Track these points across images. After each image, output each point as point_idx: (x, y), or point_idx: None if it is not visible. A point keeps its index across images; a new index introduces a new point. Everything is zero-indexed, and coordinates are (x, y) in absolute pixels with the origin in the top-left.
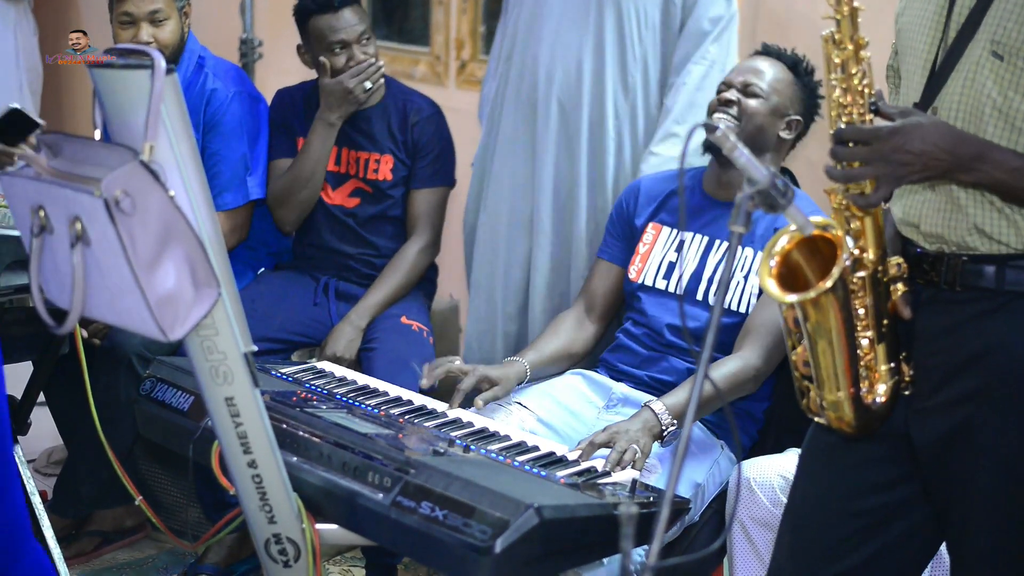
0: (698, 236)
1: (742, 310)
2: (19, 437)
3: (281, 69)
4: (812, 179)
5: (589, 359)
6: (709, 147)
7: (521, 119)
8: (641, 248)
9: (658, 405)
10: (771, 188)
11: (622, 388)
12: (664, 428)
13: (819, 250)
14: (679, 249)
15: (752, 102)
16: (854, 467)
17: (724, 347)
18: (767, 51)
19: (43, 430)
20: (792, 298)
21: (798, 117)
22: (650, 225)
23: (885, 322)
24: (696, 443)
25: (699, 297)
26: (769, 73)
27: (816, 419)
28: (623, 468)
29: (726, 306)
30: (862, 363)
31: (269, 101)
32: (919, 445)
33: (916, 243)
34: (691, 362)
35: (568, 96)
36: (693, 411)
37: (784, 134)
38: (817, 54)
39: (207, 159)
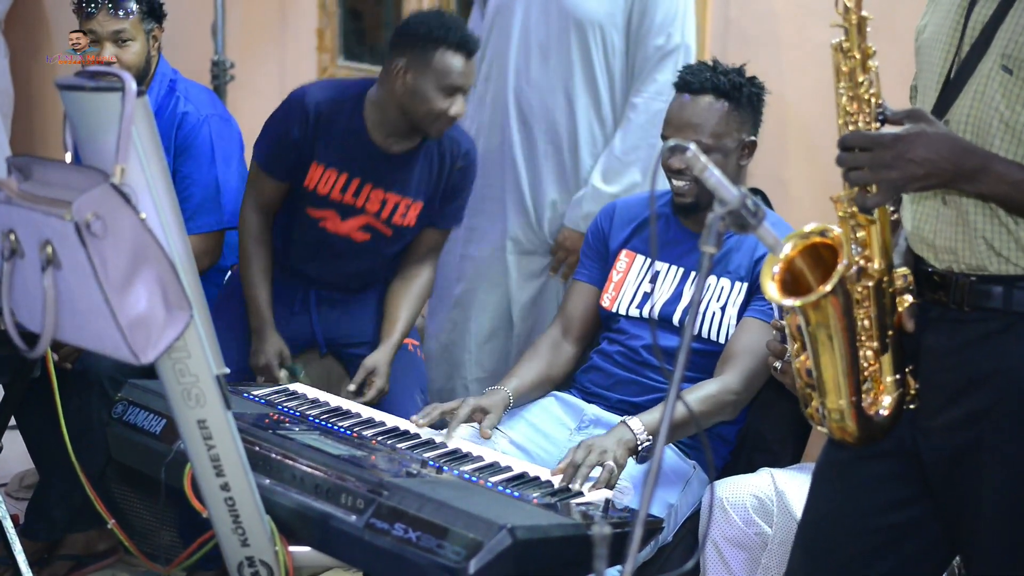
0: (672, 267)
1: (721, 340)
2: None
3: (254, 91)
4: (783, 197)
5: (565, 380)
6: (679, 208)
7: (495, 143)
8: (615, 276)
9: (635, 422)
10: (742, 208)
11: (594, 410)
12: (640, 444)
13: (822, 258)
14: (653, 280)
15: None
16: (866, 485)
17: (705, 373)
18: (692, 87)
19: (14, 453)
20: (793, 302)
21: (751, 138)
22: (624, 252)
23: (890, 333)
24: (669, 464)
25: (675, 322)
26: (707, 119)
27: (819, 428)
28: (599, 485)
29: (704, 335)
30: (865, 373)
31: (240, 123)
32: (927, 463)
33: (927, 261)
34: (665, 384)
35: (539, 125)
36: (666, 428)
37: (744, 162)
38: (784, 70)
39: (178, 182)
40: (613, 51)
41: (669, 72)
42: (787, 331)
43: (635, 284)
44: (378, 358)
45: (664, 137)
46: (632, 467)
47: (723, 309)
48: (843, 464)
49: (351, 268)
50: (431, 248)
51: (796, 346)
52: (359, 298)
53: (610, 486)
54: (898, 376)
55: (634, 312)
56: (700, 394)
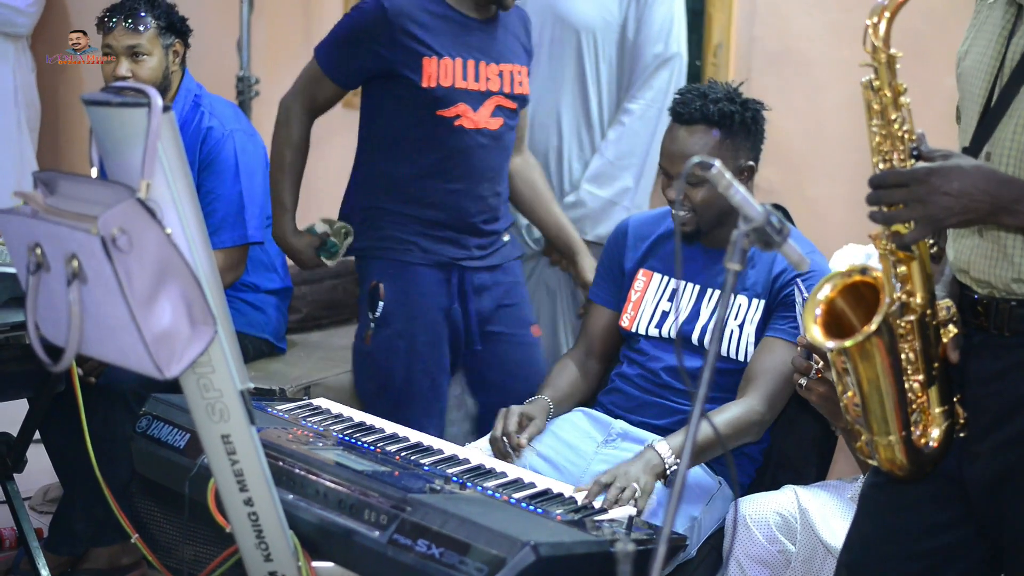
0: (690, 284)
1: (740, 358)
2: (15, 475)
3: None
4: (809, 215)
5: (592, 395)
6: (683, 236)
7: None
8: (633, 295)
9: (662, 446)
10: (766, 225)
11: (621, 424)
12: (668, 467)
13: (863, 296)
14: (672, 298)
15: (698, 193)
16: (910, 509)
17: (725, 392)
18: (683, 118)
19: (39, 468)
20: (837, 344)
21: (748, 163)
22: (640, 271)
23: (936, 365)
24: (694, 479)
25: (694, 342)
26: (700, 150)
27: (870, 461)
28: (621, 506)
29: (724, 354)
30: (913, 407)
31: (265, 138)
32: (971, 487)
33: (969, 288)
34: (687, 405)
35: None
36: (690, 447)
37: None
38: (808, 88)
39: (202, 197)
40: (604, 58)
41: (664, 80)
42: (833, 369)
43: (653, 303)
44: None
45: (661, 167)
46: (658, 485)
47: (741, 327)
48: (888, 487)
49: (491, 171)
50: (522, 130)
51: (843, 383)
52: (505, 271)
53: (639, 510)
54: (946, 407)
55: (653, 332)
56: (725, 417)
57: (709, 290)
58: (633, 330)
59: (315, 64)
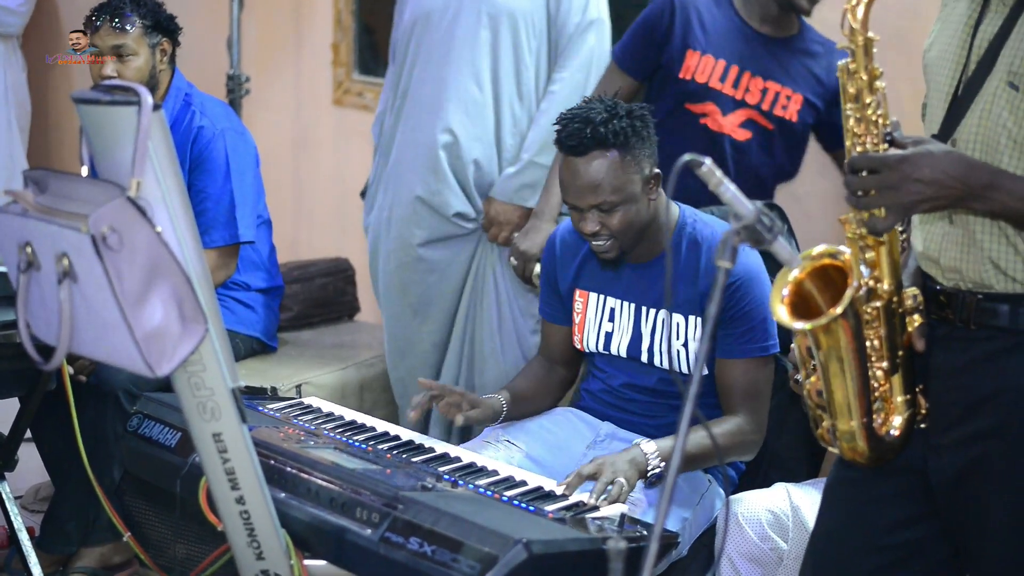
0: (624, 303)
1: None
2: (6, 473)
3: (269, 105)
4: (798, 213)
5: (562, 395)
6: (605, 262)
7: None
8: (575, 317)
9: (649, 446)
10: (757, 223)
11: (609, 426)
12: (649, 468)
13: (831, 279)
14: (612, 319)
15: (614, 218)
16: (874, 503)
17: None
18: (577, 150)
19: (30, 466)
20: (802, 325)
21: (655, 170)
22: (576, 292)
23: (900, 353)
24: (684, 478)
25: (644, 360)
26: (603, 177)
27: (830, 449)
28: (608, 500)
29: (680, 370)
30: (876, 394)
31: (255, 137)
32: (935, 481)
33: (935, 279)
34: (655, 423)
35: (463, 118)
36: (681, 446)
37: (653, 196)
38: None
39: (193, 196)
40: (535, 35)
41: (589, 45)
42: (797, 352)
43: (596, 323)
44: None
45: (568, 203)
46: (642, 484)
47: (685, 346)
48: (853, 482)
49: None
50: None
51: (805, 367)
52: None
53: (621, 500)
54: (908, 396)
55: (603, 351)
56: (718, 430)
57: (644, 308)
58: (585, 350)
59: (612, 60)
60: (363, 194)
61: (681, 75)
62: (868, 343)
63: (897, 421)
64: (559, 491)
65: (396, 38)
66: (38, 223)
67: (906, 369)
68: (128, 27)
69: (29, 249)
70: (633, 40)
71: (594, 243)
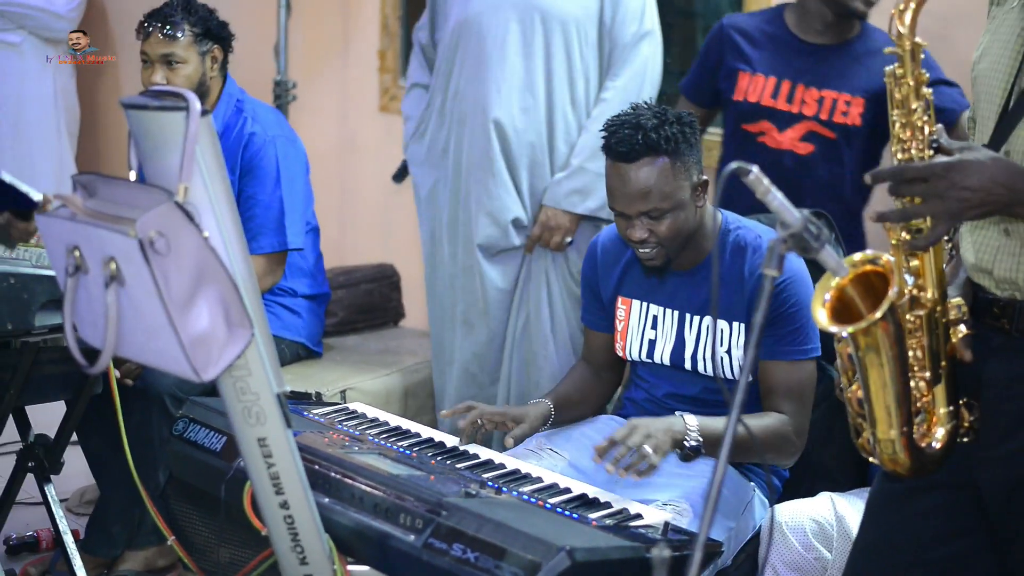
0: (667, 311)
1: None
2: (52, 476)
3: (315, 111)
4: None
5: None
6: (650, 269)
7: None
8: (618, 324)
9: (690, 418)
10: (804, 232)
11: None
12: (687, 439)
13: (873, 286)
14: (655, 327)
15: (662, 225)
16: (917, 516)
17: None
18: (627, 156)
19: (75, 469)
20: (841, 329)
21: (702, 178)
22: (619, 300)
23: (943, 364)
24: (728, 486)
25: (688, 368)
26: (653, 184)
27: (870, 459)
28: (630, 466)
29: (725, 376)
30: (918, 404)
31: (305, 142)
32: (987, 493)
33: (987, 289)
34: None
35: (516, 123)
36: (726, 455)
37: (700, 203)
38: None
39: (243, 203)
40: (588, 44)
41: (643, 55)
42: (839, 360)
43: (639, 332)
44: None
45: (615, 211)
46: (691, 490)
47: (729, 352)
48: (897, 495)
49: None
50: None
51: (847, 375)
52: None
53: (638, 472)
54: (951, 408)
55: (646, 360)
56: (761, 423)
57: (688, 315)
58: (628, 358)
59: (680, 91)
60: (396, 177)
61: (735, 97)
62: (911, 353)
63: (939, 433)
64: (595, 460)
65: (440, 40)
66: (86, 227)
67: (949, 380)
68: (178, 35)
69: (77, 253)
70: (694, 69)
71: (640, 250)
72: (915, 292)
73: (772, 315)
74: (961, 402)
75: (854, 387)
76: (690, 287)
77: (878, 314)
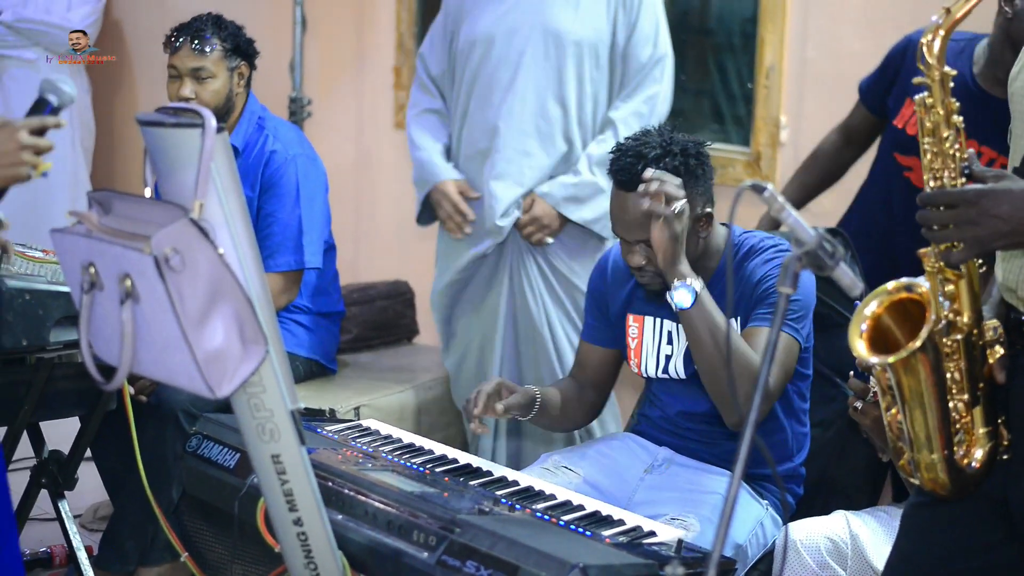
0: (679, 326)
1: None
2: (66, 492)
3: (331, 127)
4: None
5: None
6: (649, 293)
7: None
8: (631, 342)
9: (698, 282)
10: (819, 249)
11: (666, 451)
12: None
13: (910, 313)
14: (671, 342)
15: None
16: (953, 527)
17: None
18: (628, 184)
19: (89, 485)
20: (879, 360)
21: (707, 209)
22: (630, 318)
23: (981, 386)
24: (740, 504)
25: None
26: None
27: (911, 480)
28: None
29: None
30: (957, 426)
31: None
32: (1015, 508)
33: (1017, 309)
34: (712, 451)
35: (524, 143)
36: (741, 467)
37: (703, 234)
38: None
39: (261, 220)
40: (599, 67)
41: (656, 77)
42: (877, 386)
43: (654, 348)
44: None
45: (615, 232)
46: (703, 507)
47: None
48: (930, 506)
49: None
50: None
51: (886, 401)
52: None
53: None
54: (990, 428)
55: (662, 376)
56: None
57: None
58: (643, 375)
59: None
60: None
61: (896, 122)
62: (948, 375)
63: (979, 454)
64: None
65: (453, 55)
66: (101, 244)
67: (987, 401)
68: (208, 50)
69: (92, 269)
70: (875, 73)
71: (638, 275)
72: (951, 316)
73: (761, 292)
74: (1000, 420)
75: (893, 411)
76: None
77: (917, 344)
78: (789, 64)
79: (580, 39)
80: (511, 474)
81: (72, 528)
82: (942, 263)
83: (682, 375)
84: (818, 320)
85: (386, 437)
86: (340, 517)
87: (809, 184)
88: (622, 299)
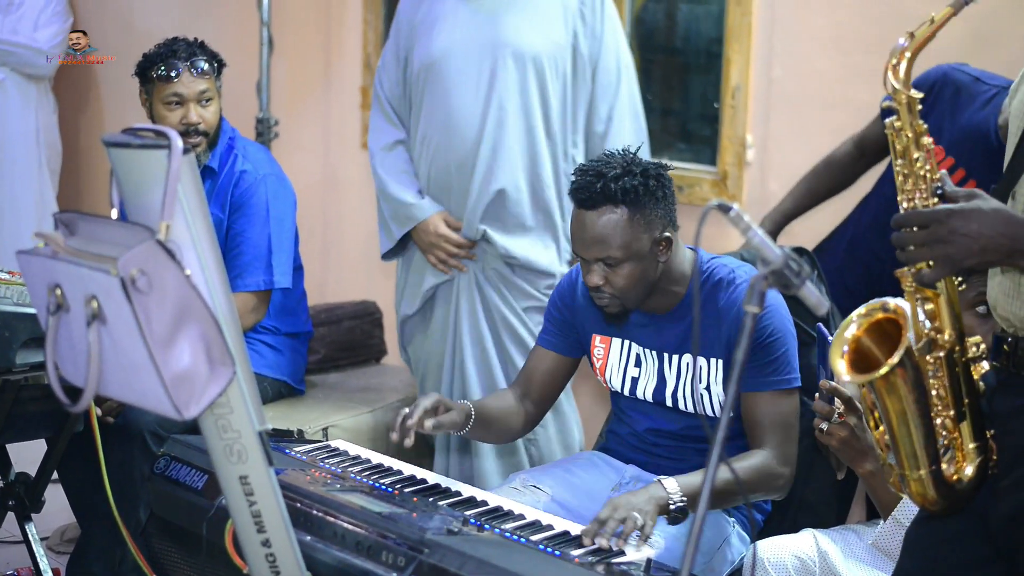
0: (647, 351)
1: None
2: (33, 515)
3: (298, 148)
4: None
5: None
6: (609, 316)
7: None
8: (595, 361)
9: (670, 483)
10: (785, 268)
11: (633, 469)
12: (672, 504)
13: (888, 333)
14: (638, 364)
15: (618, 275)
16: (952, 542)
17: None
18: (587, 203)
19: (56, 507)
20: (856, 378)
21: (666, 234)
22: (597, 338)
23: (966, 401)
24: (707, 523)
25: (669, 405)
26: (610, 233)
27: (905, 496)
28: (624, 532)
29: (705, 412)
30: (946, 442)
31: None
32: (992, 522)
33: (999, 325)
34: (680, 467)
35: (492, 156)
36: (707, 493)
37: (663, 258)
38: (827, 130)
39: (231, 239)
40: (559, 76)
41: (628, 88)
42: (863, 404)
43: (620, 369)
44: None
45: (574, 251)
46: (671, 529)
47: (709, 389)
48: (930, 523)
49: None
50: None
51: (873, 419)
52: None
53: (644, 535)
54: (979, 443)
55: (629, 395)
56: (746, 463)
57: (666, 354)
58: (610, 388)
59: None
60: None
61: None
62: (933, 392)
63: (969, 469)
64: (585, 542)
65: (409, 80)
66: (68, 265)
67: (974, 416)
68: (206, 71)
69: (59, 291)
70: None
71: (596, 297)
72: (933, 335)
73: (752, 346)
74: (989, 435)
75: (881, 429)
76: (667, 329)
77: (895, 360)
78: (755, 84)
79: (538, 52)
80: (480, 494)
81: (39, 551)
82: (916, 278)
83: (649, 399)
84: None
85: (354, 458)
86: (309, 538)
87: (817, 190)
88: (590, 319)
